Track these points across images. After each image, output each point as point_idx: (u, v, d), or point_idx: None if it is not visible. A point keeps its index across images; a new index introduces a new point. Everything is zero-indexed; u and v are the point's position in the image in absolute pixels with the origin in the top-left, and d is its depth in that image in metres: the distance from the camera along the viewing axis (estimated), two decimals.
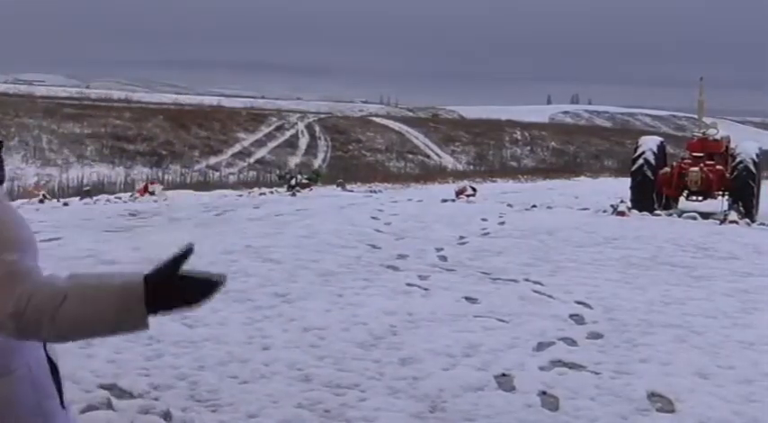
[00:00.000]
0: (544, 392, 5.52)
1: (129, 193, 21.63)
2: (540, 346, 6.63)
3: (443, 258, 10.72)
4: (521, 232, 13.24)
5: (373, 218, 14.32)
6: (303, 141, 55.28)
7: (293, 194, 21.14)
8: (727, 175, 18.78)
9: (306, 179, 24.43)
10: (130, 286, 1.73)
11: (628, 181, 19.52)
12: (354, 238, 11.77)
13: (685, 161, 19.50)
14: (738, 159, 18.59)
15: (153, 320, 1.80)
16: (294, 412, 4.99)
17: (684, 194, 19.46)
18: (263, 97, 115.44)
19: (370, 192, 24.70)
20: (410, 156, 55.73)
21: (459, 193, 21.72)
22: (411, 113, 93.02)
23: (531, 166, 52.58)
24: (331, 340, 6.53)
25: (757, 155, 18.72)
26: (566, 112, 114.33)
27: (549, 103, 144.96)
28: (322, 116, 67.75)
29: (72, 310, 1.69)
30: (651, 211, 17.93)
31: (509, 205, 18.36)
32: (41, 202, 17.68)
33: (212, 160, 46.66)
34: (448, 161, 54.90)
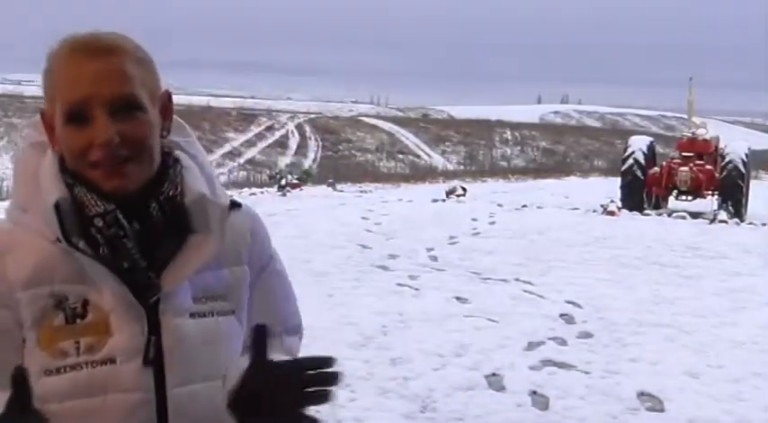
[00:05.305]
0: (534, 392, 5.53)
1: None
2: (531, 346, 6.64)
3: (434, 258, 10.74)
4: (511, 232, 13.27)
5: (363, 218, 14.33)
6: (293, 141, 55.27)
7: (284, 195, 21.11)
8: (717, 174, 18.84)
9: (296, 179, 24.39)
10: None
11: (618, 181, 19.55)
12: (345, 239, 11.77)
13: (675, 161, 19.55)
14: (728, 159, 18.65)
15: None
16: None
17: (674, 194, 19.51)
18: (252, 97, 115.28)
19: (361, 192, 24.68)
20: (400, 156, 55.75)
21: (450, 193, 21.72)
22: (401, 113, 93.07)
23: (522, 165, 52.59)
24: (321, 340, 6.51)
25: (746, 155, 18.78)
26: (556, 113, 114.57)
27: (539, 103, 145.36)
28: (312, 116, 67.71)
29: None
30: (641, 210, 18.00)
31: (499, 205, 18.39)
32: None
33: None
34: (438, 161, 54.89)
